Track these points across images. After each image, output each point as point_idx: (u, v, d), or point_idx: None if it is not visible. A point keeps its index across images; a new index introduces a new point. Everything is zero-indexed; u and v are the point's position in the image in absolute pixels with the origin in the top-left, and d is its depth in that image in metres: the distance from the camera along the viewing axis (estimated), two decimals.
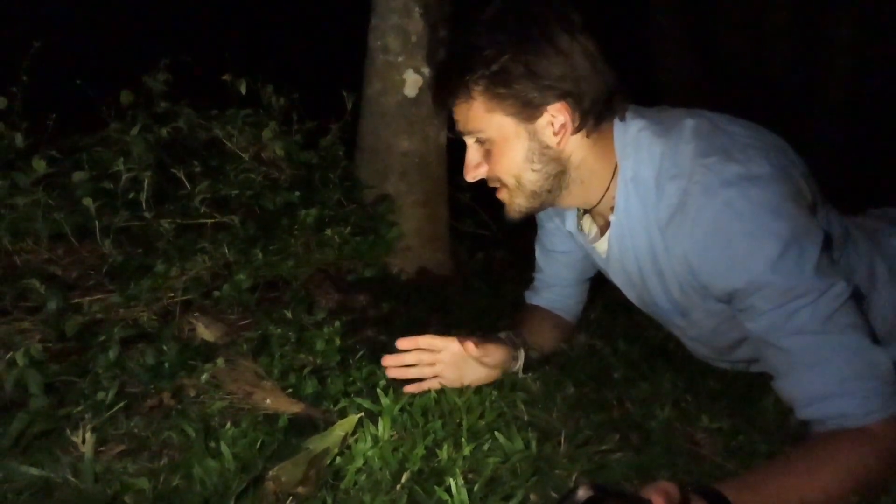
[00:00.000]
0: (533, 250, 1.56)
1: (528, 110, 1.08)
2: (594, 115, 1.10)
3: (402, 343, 1.25)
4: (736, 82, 4.84)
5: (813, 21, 4.78)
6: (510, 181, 1.14)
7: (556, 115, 1.09)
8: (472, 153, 1.17)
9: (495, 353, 1.28)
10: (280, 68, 2.29)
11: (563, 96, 1.07)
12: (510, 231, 2.52)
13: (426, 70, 2.02)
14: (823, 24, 4.71)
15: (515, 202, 1.17)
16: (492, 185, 1.19)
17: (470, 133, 1.14)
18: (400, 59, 2.02)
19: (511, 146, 1.11)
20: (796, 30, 4.85)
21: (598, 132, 1.12)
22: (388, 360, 1.26)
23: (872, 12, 4.51)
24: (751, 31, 4.96)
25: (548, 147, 1.11)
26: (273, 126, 2.01)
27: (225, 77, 2.01)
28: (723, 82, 4.86)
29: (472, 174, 1.17)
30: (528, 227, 1.56)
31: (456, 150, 2.14)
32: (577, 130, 1.10)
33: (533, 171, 1.13)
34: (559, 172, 1.14)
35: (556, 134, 1.10)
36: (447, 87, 1.12)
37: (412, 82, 2.02)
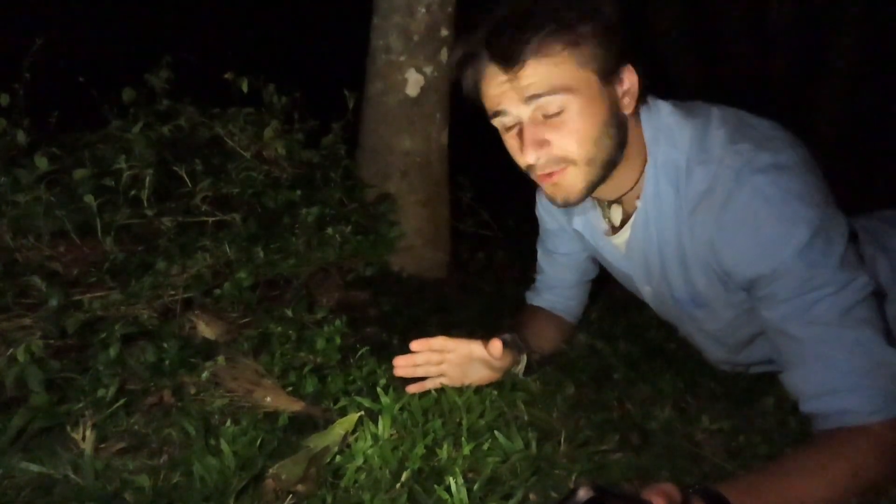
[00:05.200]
0: (534, 250, 1.56)
1: (611, 71, 1.04)
2: (645, 88, 1.08)
3: (415, 345, 1.24)
4: (737, 82, 4.84)
5: (814, 21, 4.78)
6: (585, 150, 1.04)
7: (626, 80, 1.06)
8: (534, 129, 1.04)
9: (505, 358, 1.28)
10: (282, 67, 2.29)
11: (631, 60, 1.06)
12: (511, 231, 2.53)
13: (428, 69, 2.02)
14: (825, 24, 4.71)
15: (579, 180, 1.07)
16: (545, 170, 1.07)
17: (554, 91, 1.01)
18: (402, 58, 2.02)
19: (595, 108, 1.03)
20: (797, 30, 4.85)
21: (639, 108, 1.11)
22: (399, 361, 1.25)
23: (874, 13, 4.51)
24: (752, 31, 4.96)
25: (620, 113, 1.07)
26: (275, 125, 2.01)
27: (227, 75, 2.02)
28: (723, 82, 4.86)
29: (537, 153, 1.04)
30: (529, 226, 1.57)
31: (458, 149, 2.15)
32: (639, 99, 1.08)
33: (609, 136, 1.06)
34: (623, 144, 1.09)
35: (626, 97, 1.07)
36: (552, 34, 1.00)
37: (414, 82, 2.03)
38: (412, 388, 1.26)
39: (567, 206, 1.11)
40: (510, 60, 1.01)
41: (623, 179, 1.14)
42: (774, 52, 4.89)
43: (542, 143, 1.04)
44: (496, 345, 1.20)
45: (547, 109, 1.03)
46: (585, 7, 1.02)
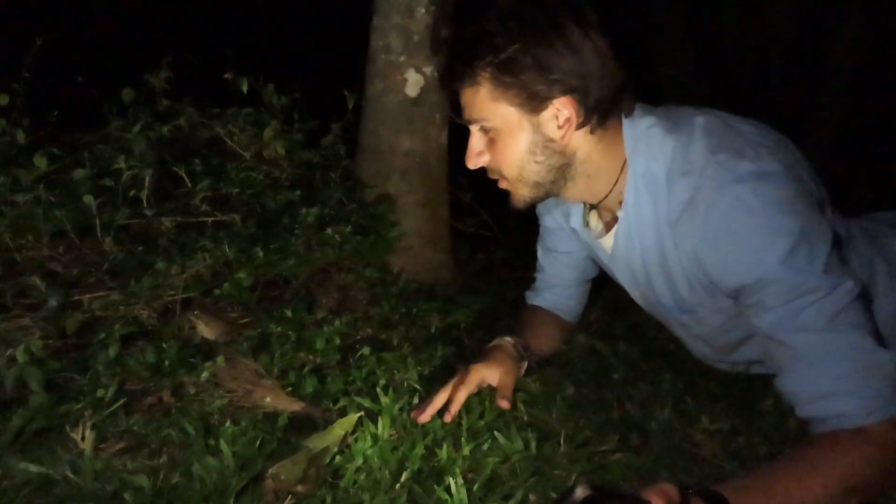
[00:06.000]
0: (533, 250, 1.56)
1: (534, 102, 1.08)
2: (600, 112, 1.09)
3: (447, 419, 1.17)
4: (736, 83, 4.84)
5: (813, 22, 4.78)
6: (512, 172, 1.14)
7: (560, 109, 1.08)
8: (476, 140, 1.15)
9: (510, 384, 1.27)
10: (282, 67, 2.29)
11: (569, 91, 1.07)
12: (511, 231, 2.52)
13: (428, 70, 2.02)
14: (824, 24, 4.71)
15: (518, 192, 1.17)
16: (493, 176, 1.18)
17: (474, 120, 1.13)
18: (402, 58, 2.01)
19: (514, 137, 1.11)
20: (797, 31, 4.85)
21: (604, 128, 1.12)
22: (417, 416, 1.19)
23: (873, 13, 4.51)
24: (751, 31, 4.96)
25: (551, 140, 1.11)
26: (274, 125, 2.01)
27: (226, 76, 2.01)
28: (723, 83, 4.86)
29: (474, 161, 1.16)
30: (529, 227, 1.57)
31: (457, 150, 2.15)
32: (581, 126, 1.10)
33: (536, 162, 1.12)
34: (563, 165, 1.13)
35: (559, 128, 1.09)
36: (454, 71, 1.11)
37: (414, 82, 2.02)
38: (422, 419, 1.19)
39: (518, 209, 1.20)
40: (445, 90, 1.16)
41: (593, 188, 1.17)
42: (773, 52, 4.89)
43: (480, 154, 1.15)
44: (504, 403, 1.21)
45: (483, 129, 1.14)
46: (484, 50, 1.06)
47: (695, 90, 4.82)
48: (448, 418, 1.17)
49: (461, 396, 1.20)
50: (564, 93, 1.07)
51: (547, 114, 1.09)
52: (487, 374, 1.26)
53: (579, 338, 1.56)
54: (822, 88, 4.67)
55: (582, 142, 1.12)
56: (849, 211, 1.27)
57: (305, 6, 4.98)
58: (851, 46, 4.57)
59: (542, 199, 1.20)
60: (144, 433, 1.16)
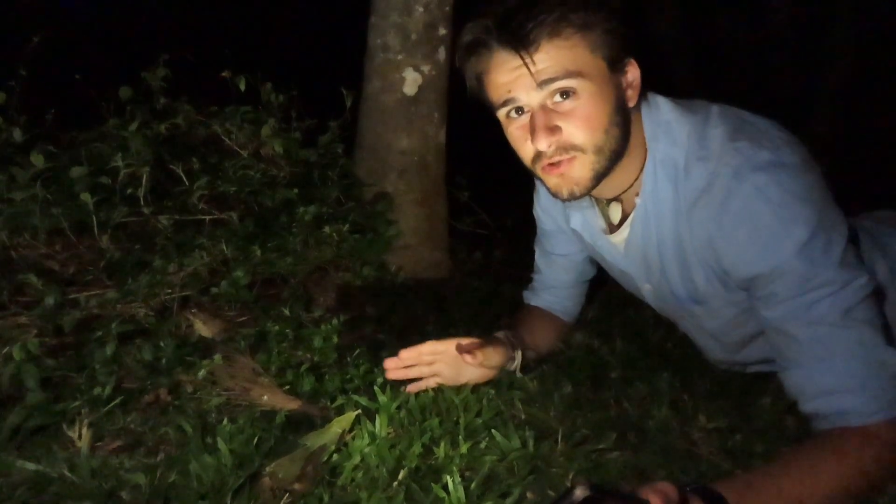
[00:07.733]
0: (531, 249, 1.56)
1: (619, 59, 1.04)
2: (645, 85, 1.08)
3: (404, 354, 1.23)
4: (735, 82, 4.85)
5: (812, 21, 4.79)
6: (594, 138, 1.03)
7: (631, 70, 1.06)
8: (545, 116, 1.02)
9: (493, 357, 1.28)
10: (279, 66, 2.29)
11: (633, 54, 1.05)
12: (508, 230, 2.53)
13: (426, 68, 2.02)
14: (823, 24, 4.72)
15: (587, 170, 1.05)
16: (553, 159, 1.04)
17: (562, 76, 1.00)
18: (399, 57, 2.02)
19: (603, 95, 1.02)
20: (796, 30, 4.86)
21: (637, 109, 1.10)
22: (389, 363, 1.25)
23: (872, 12, 4.52)
24: (750, 31, 4.97)
25: (625, 105, 1.07)
26: (272, 123, 2.01)
27: (224, 74, 2.01)
28: (722, 82, 4.87)
29: (548, 140, 1.02)
30: (526, 226, 1.57)
31: (455, 148, 2.15)
32: (640, 95, 1.08)
33: (616, 126, 1.04)
34: (627, 136, 1.08)
35: (630, 89, 1.07)
36: (565, 16, 0.99)
37: (411, 80, 2.02)
38: (411, 388, 1.26)
39: (573, 198, 1.08)
40: (524, 43, 0.99)
41: (623, 176, 1.14)
42: (772, 51, 4.90)
43: (554, 130, 1.02)
44: (466, 357, 1.21)
45: (559, 95, 1.02)
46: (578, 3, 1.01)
47: (694, 90, 4.83)
48: (395, 361, 1.23)
49: (426, 347, 1.23)
50: (631, 55, 1.05)
51: (628, 75, 1.06)
52: (465, 340, 1.25)
53: (577, 337, 1.56)
54: (820, 86, 4.68)
55: (633, 115, 1.10)
56: (848, 209, 1.27)
57: (303, 5, 4.97)
58: (850, 43, 4.58)
59: (604, 177, 1.08)
60: (141, 431, 1.16)
